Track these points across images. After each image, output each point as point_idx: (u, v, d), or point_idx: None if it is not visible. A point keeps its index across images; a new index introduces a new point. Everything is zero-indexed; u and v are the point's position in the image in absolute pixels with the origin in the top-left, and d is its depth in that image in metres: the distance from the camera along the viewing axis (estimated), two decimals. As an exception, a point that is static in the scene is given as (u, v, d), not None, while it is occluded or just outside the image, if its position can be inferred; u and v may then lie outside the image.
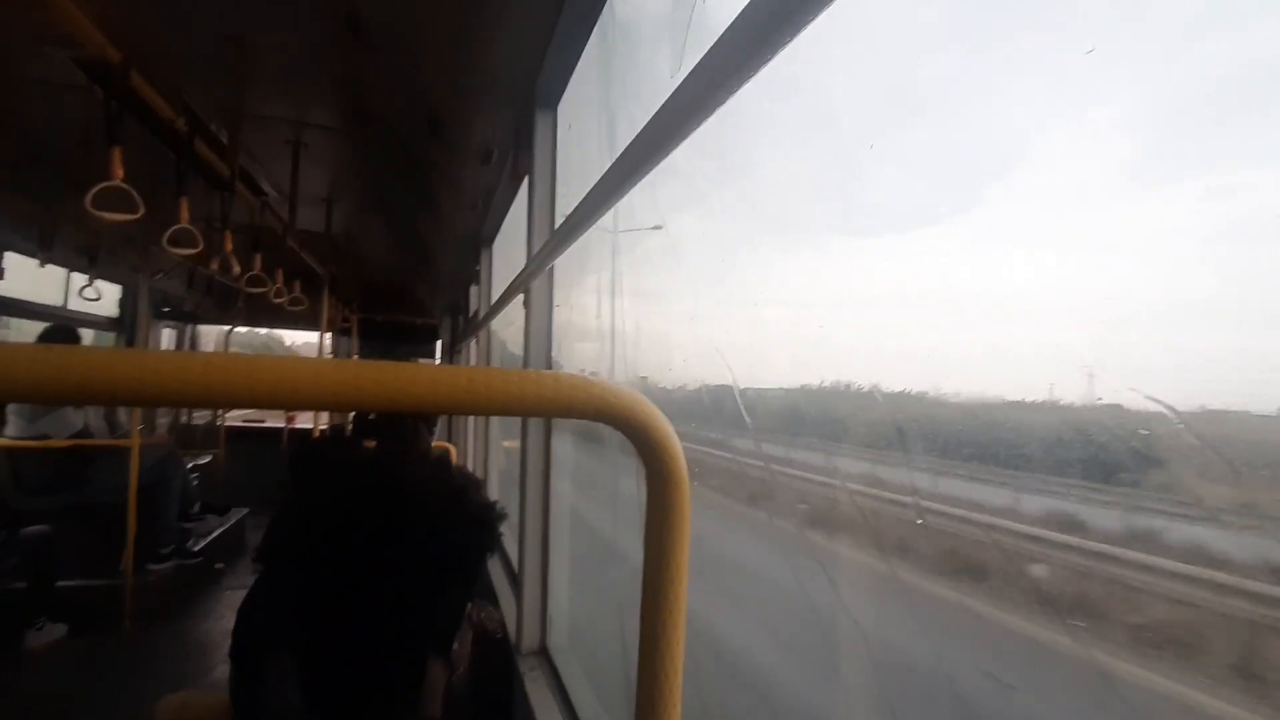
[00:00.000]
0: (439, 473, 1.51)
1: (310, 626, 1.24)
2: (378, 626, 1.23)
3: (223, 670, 1.27)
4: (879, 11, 1.05)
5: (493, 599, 2.37)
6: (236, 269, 2.88)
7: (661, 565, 0.56)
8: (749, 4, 0.61)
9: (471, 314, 4.77)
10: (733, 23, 0.63)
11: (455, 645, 1.44)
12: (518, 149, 2.02)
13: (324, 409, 0.46)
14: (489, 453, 4.12)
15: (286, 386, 0.43)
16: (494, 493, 4.01)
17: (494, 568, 2.68)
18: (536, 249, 1.74)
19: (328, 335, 5.37)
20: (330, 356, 6.81)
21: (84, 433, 3.76)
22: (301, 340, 8.97)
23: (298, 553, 1.25)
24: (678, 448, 0.55)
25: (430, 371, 0.47)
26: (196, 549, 4.26)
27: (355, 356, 7.03)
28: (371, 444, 2.40)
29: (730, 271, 1.37)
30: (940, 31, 1.05)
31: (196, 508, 4.74)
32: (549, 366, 1.85)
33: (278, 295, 3.50)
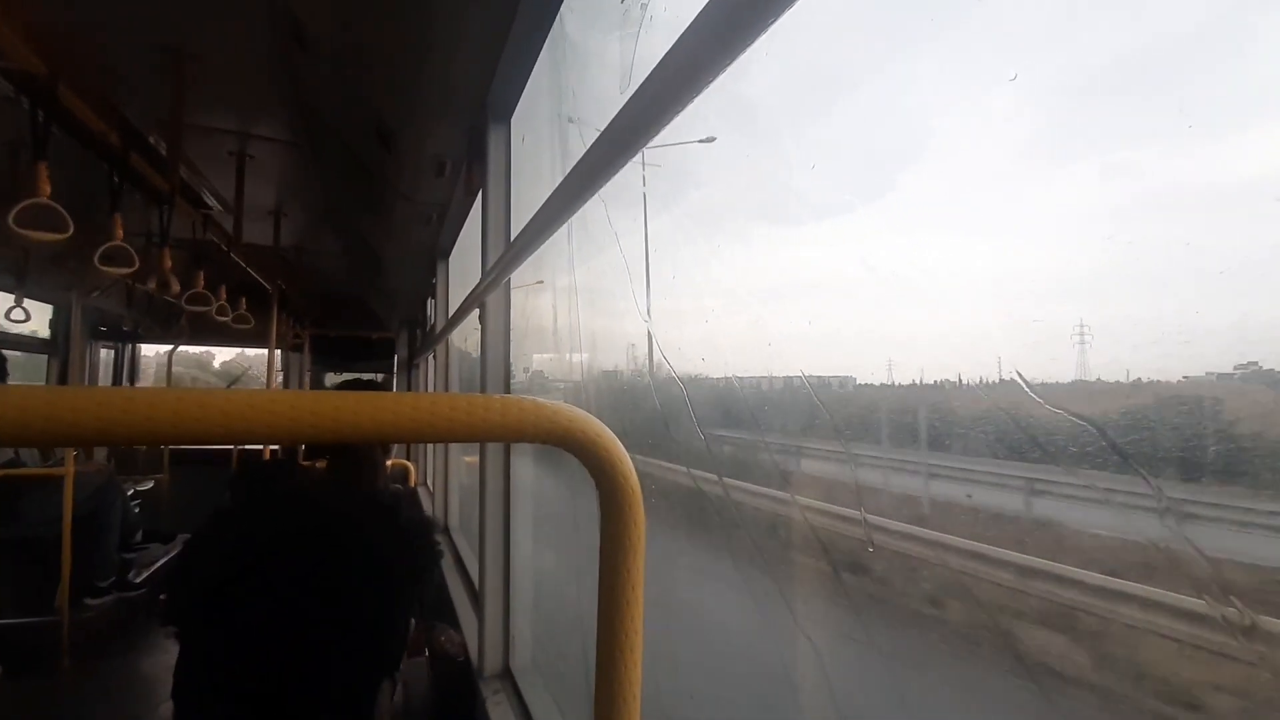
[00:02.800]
0: (373, 496, 1.48)
1: (249, 665, 1.19)
2: (318, 656, 1.19)
3: (169, 709, 1.21)
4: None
5: (454, 621, 2.31)
6: (176, 286, 2.76)
7: (617, 587, 0.55)
8: (695, 21, 0.62)
9: (429, 328, 4.69)
10: (679, 39, 0.64)
11: (402, 666, 1.40)
12: (471, 161, 2.00)
13: (271, 443, 0.44)
14: (449, 469, 4.04)
15: (235, 421, 0.42)
16: (455, 510, 3.92)
17: (455, 588, 2.62)
18: (491, 263, 1.72)
19: (278, 353, 5.21)
20: (280, 375, 6.59)
21: (14, 461, 3.55)
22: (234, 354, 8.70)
23: (221, 595, 1.20)
24: (630, 468, 0.55)
25: (377, 401, 0.45)
26: (139, 580, 4.06)
27: (308, 375, 6.82)
28: (323, 464, 2.33)
29: (674, 265, 1.38)
30: (849, 20, 1.07)
31: (139, 536, 4.52)
32: (506, 386, 1.82)
33: (221, 312, 3.38)
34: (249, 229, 3.50)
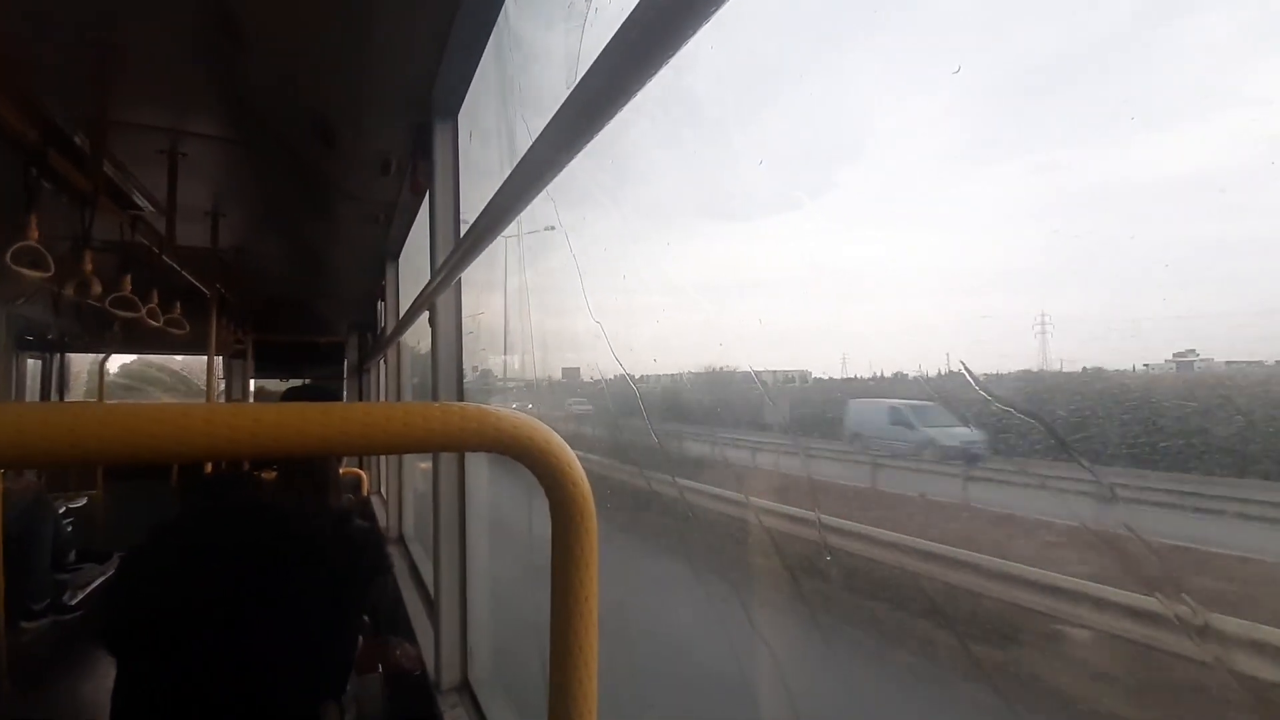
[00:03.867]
0: (324, 508, 1.42)
1: (189, 687, 1.13)
2: (261, 676, 1.13)
3: (111, 734, 1.15)
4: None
5: (409, 634, 2.25)
6: (97, 288, 2.61)
7: (570, 597, 0.53)
8: (635, 11, 0.60)
9: (379, 331, 4.56)
10: (620, 29, 0.62)
11: (353, 684, 1.35)
12: (417, 159, 1.94)
13: (209, 459, 0.42)
14: (403, 476, 3.93)
15: (166, 440, 0.39)
16: (410, 519, 3.82)
17: (410, 599, 2.55)
18: (440, 261, 1.67)
19: (219, 360, 4.99)
20: (222, 383, 6.33)
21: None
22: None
23: (161, 615, 1.14)
24: (581, 475, 0.53)
25: (321, 413, 0.43)
26: (74, 602, 3.87)
27: (251, 382, 6.55)
28: (272, 475, 2.25)
29: (622, 263, 1.38)
30: (788, 24, 1.09)
31: (72, 556, 4.30)
32: (459, 391, 1.77)
33: (153, 317, 3.21)
34: (184, 231, 3.33)
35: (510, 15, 1.42)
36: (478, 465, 2.03)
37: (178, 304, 3.69)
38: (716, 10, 0.54)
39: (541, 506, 0.55)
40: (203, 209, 3.42)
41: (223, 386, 6.54)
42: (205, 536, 1.21)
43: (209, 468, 4.76)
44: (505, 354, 2.14)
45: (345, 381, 6.56)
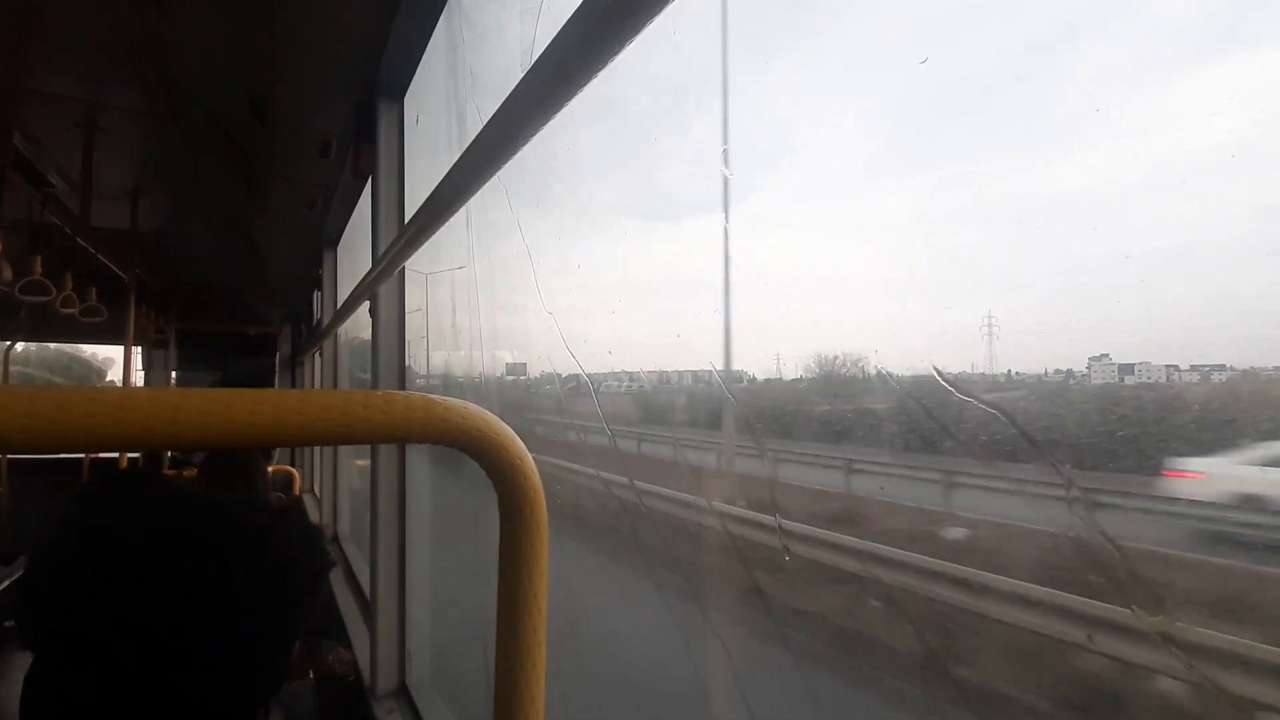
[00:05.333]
0: (252, 507, 1.34)
1: (104, 700, 1.05)
2: (185, 686, 1.06)
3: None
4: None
5: (343, 638, 2.15)
6: (8, 273, 2.40)
7: (518, 596, 0.51)
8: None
9: (315, 322, 4.37)
10: (577, 10, 0.60)
11: (283, 691, 1.28)
12: (360, 141, 1.86)
13: (123, 449, 0.37)
14: (338, 473, 3.79)
15: (73, 427, 0.35)
16: (345, 518, 3.68)
17: (345, 602, 2.44)
18: (383, 249, 1.61)
19: (137, 351, 4.68)
20: (140, 374, 5.95)
21: None
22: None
23: (72, 623, 1.05)
24: (532, 469, 0.51)
25: (248, 399, 0.39)
26: (-23, 603, 3.54)
27: (173, 374, 6.18)
28: (192, 472, 2.12)
29: (565, 261, 1.37)
30: (715, 30, 1.11)
31: (-28, 558, 3.95)
32: (401, 381, 1.71)
33: (67, 304, 2.98)
34: (101, 211, 3.10)
35: (462, -4, 1.37)
36: (419, 462, 1.96)
37: (93, 290, 3.43)
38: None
39: (488, 505, 0.52)
40: (122, 188, 3.19)
41: (140, 380, 6.14)
42: (126, 537, 1.12)
43: (124, 463, 4.47)
44: (453, 346, 2.08)
45: (277, 374, 6.27)
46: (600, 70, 0.62)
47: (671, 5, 0.52)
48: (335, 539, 3.60)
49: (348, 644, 2.08)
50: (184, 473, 3.23)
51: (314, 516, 4.12)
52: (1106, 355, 0.88)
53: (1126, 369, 0.87)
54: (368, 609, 2.15)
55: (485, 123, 0.84)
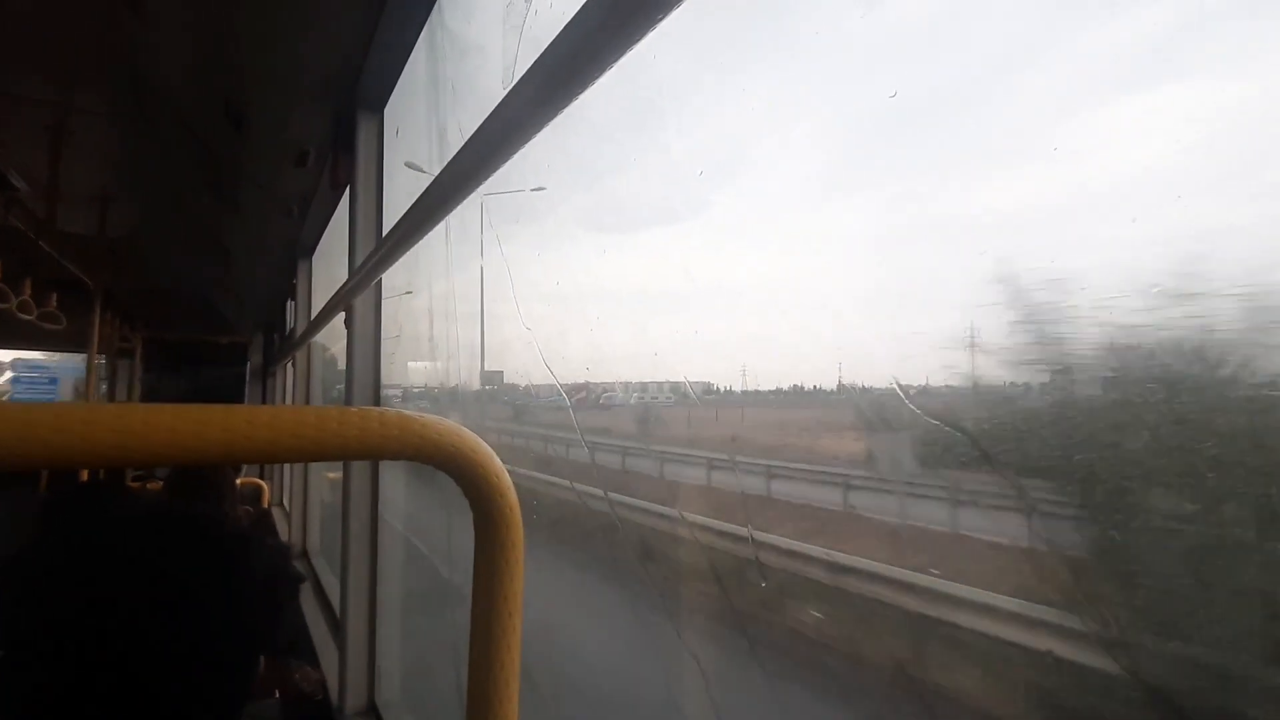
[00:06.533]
0: (219, 522, 1.32)
1: (65, 710, 1.01)
2: (149, 704, 1.03)
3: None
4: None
5: (311, 656, 2.10)
6: None
7: (492, 614, 0.50)
8: (578, 14, 0.59)
9: (288, 332, 4.30)
10: (562, 31, 0.61)
11: (247, 710, 1.25)
12: (338, 152, 1.84)
13: (89, 465, 0.36)
14: (309, 486, 3.71)
15: (39, 440, 0.34)
16: (315, 533, 3.60)
17: (314, 619, 2.39)
18: (360, 261, 1.59)
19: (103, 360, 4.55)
20: (103, 386, 5.78)
21: None
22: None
23: (43, 632, 1.02)
24: (508, 485, 0.50)
25: (219, 415, 0.39)
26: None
27: (137, 385, 6.00)
28: (157, 485, 2.07)
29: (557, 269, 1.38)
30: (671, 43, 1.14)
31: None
32: (376, 395, 1.69)
33: (24, 310, 2.89)
34: (65, 215, 3.03)
35: (445, 11, 1.37)
36: (393, 475, 1.93)
37: (54, 296, 3.34)
38: (663, 17, 0.53)
39: (462, 521, 0.52)
40: (90, 193, 3.12)
41: (104, 390, 5.96)
42: (87, 554, 1.09)
43: (84, 476, 4.32)
44: (430, 359, 2.06)
45: (248, 385, 6.13)
46: (585, 90, 0.63)
47: (656, 30, 0.54)
48: (305, 554, 3.52)
49: (316, 662, 2.03)
50: (148, 485, 3.14)
51: (283, 530, 4.03)
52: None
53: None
54: (337, 626, 2.10)
55: (467, 138, 0.84)
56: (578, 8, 0.58)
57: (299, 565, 2.92)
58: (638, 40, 0.55)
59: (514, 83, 0.69)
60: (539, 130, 0.70)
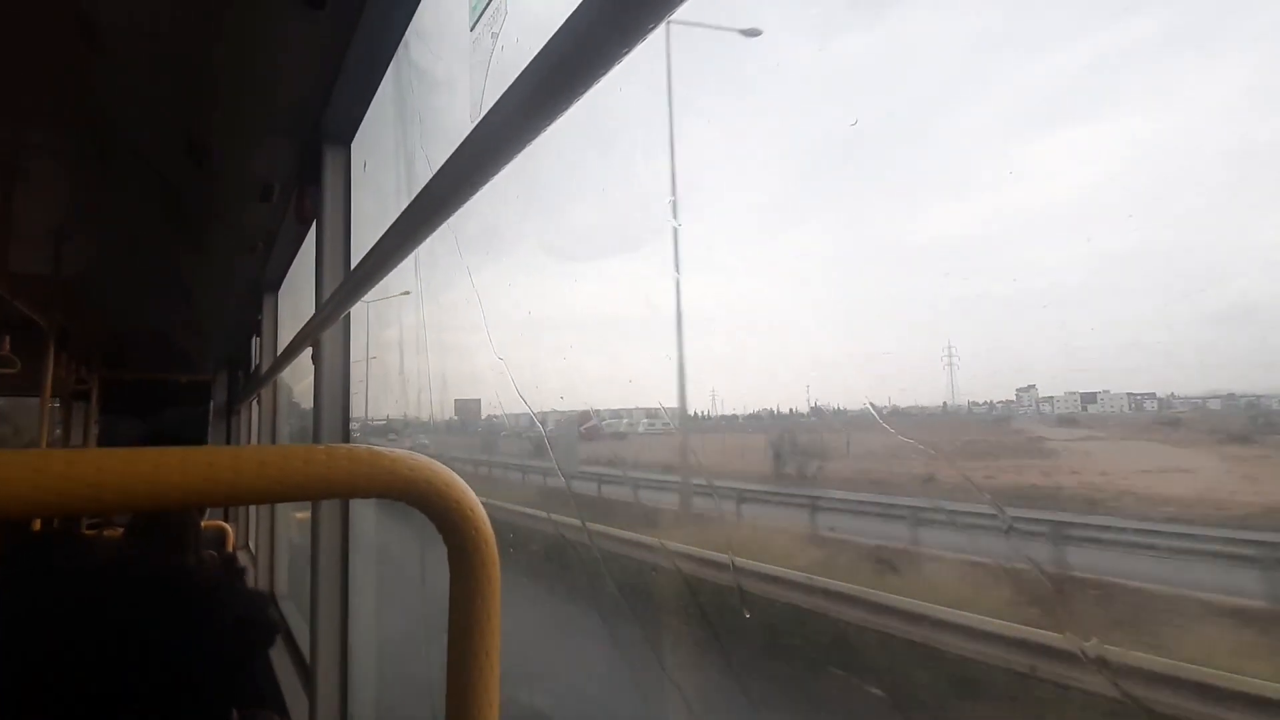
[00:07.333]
0: (182, 570, 1.26)
1: None
2: None
3: None
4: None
5: (279, 705, 2.01)
6: None
7: (469, 654, 0.49)
8: (544, 48, 0.59)
9: (253, 369, 4.20)
10: (528, 66, 0.61)
11: None
12: (305, 185, 1.82)
13: (39, 514, 0.34)
14: (275, 527, 3.59)
15: None
16: (283, 576, 3.48)
17: (282, 666, 2.29)
18: (327, 295, 1.57)
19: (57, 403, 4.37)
20: (58, 430, 5.56)
21: None
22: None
23: None
24: (484, 520, 0.49)
25: (181, 458, 0.37)
26: None
27: (94, 428, 5.77)
28: (116, 532, 1.99)
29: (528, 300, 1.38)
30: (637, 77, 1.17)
31: None
32: (345, 432, 1.65)
33: (-25, 354, 2.78)
34: (17, 254, 2.94)
35: (411, 46, 1.38)
36: (364, 514, 1.88)
37: (6, 338, 3.22)
38: (627, 52, 0.54)
39: (436, 558, 0.50)
40: (43, 231, 3.03)
41: (59, 434, 5.73)
42: (41, 606, 1.03)
43: (37, 525, 4.12)
44: (399, 391, 2.03)
45: (211, 424, 5.94)
46: (553, 122, 0.64)
47: (620, 64, 0.54)
48: (272, 598, 3.39)
49: (284, 710, 1.94)
50: (105, 533, 3.00)
51: (249, 574, 3.88)
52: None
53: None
54: (306, 674, 2.02)
55: (435, 171, 0.84)
56: (544, 43, 0.58)
57: (274, 612, 2.81)
58: (603, 74, 0.56)
59: (482, 115, 0.69)
60: (508, 162, 0.70)
